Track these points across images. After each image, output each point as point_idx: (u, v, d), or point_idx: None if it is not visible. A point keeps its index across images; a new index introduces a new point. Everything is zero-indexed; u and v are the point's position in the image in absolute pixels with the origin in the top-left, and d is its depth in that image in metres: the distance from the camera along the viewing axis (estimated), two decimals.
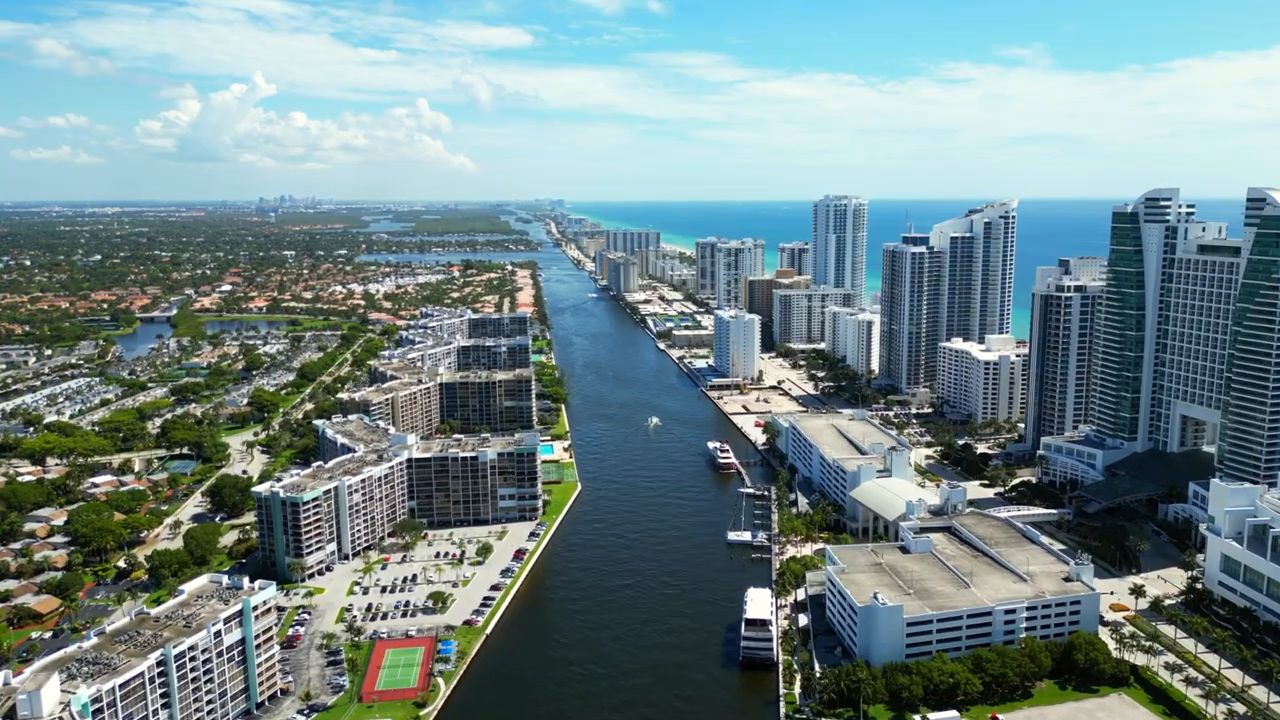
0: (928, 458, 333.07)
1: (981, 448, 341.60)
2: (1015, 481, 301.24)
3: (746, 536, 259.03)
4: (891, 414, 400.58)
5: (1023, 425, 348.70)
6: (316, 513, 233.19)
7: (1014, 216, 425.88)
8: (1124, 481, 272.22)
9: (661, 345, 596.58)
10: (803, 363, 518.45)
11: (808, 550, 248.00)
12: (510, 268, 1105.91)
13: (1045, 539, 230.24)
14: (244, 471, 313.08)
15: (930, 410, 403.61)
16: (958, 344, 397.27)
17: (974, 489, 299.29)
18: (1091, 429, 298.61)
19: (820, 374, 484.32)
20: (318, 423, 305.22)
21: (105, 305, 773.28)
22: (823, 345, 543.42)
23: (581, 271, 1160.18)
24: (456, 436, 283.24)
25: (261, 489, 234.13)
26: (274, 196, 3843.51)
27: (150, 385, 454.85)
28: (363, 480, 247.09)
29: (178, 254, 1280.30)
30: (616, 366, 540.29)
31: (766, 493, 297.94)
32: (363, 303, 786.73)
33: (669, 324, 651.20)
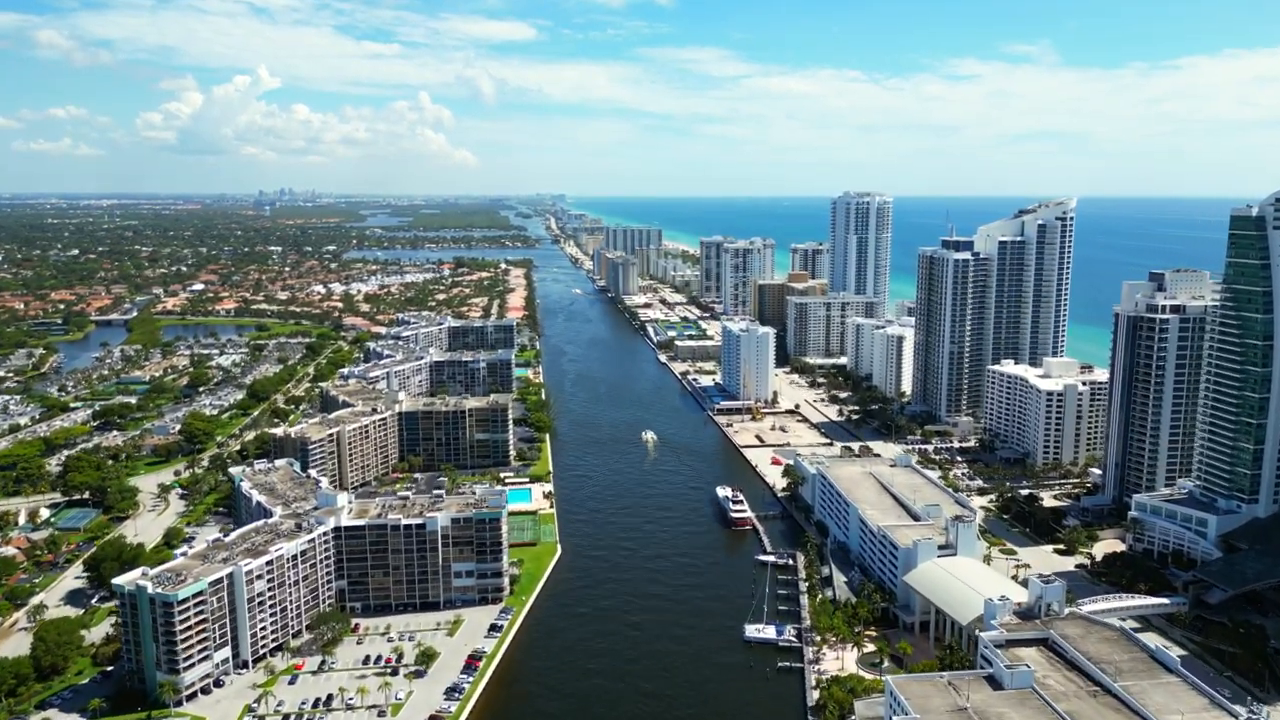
0: (983, 509, 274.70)
1: (1046, 498, 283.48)
2: (1100, 550, 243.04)
3: (770, 633, 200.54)
4: (930, 448, 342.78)
5: (1097, 470, 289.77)
6: (200, 612, 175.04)
7: (1072, 218, 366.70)
8: (1251, 560, 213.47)
9: (663, 357, 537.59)
10: (822, 381, 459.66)
11: (851, 659, 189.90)
12: (504, 266, 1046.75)
13: (1160, 639, 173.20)
14: (138, 539, 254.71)
15: (975, 444, 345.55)
16: (1010, 367, 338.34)
17: (1045, 555, 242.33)
18: (1197, 485, 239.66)
19: (843, 395, 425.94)
20: (234, 471, 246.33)
21: (62, 306, 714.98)
22: (843, 360, 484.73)
23: (579, 270, 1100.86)
24: (402, 494, 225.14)
25: (125, 580, 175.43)
26: (274, 190, 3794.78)
27: (76, 405, 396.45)
28: (269, 563, 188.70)
29: (159, 249, 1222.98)
30: (612, 382, 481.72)
31: (791, 561, 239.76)
32: (340, 304, 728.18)
33: (671, 332, 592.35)
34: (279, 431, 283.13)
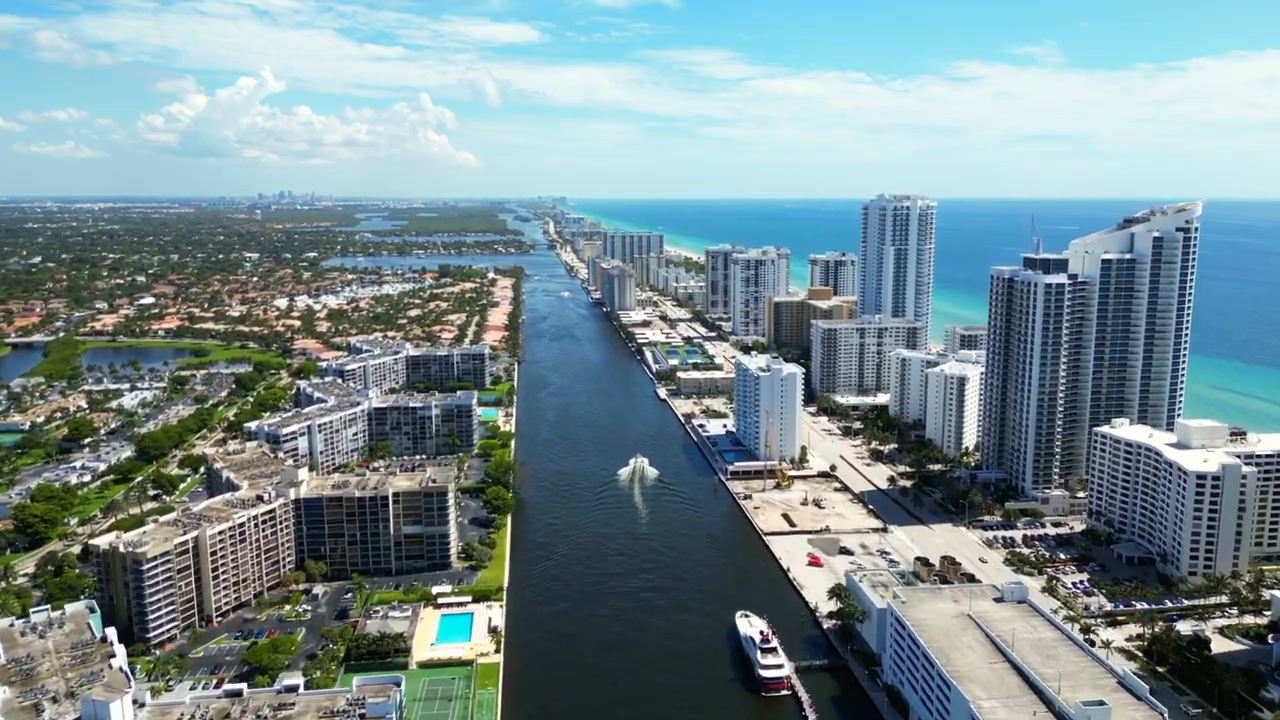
0: (1119, 651, 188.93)
1: (1209, 632, 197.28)
2: None
3: None
4: (1018, 535, 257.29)
5: (1279, 594, 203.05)
6: None
7: (1196, 229, 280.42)
8: None
9: (662, 391, 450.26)
10: (857, 426, 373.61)
11: None
12: (491, 275, 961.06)
13: None
14: None
15: (1080, 529, 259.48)
16: (1127, 430, 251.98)
17: None
18: None
19: (887, 449, 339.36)
20: None
21: None
22: (882, 399, 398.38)
23: (575, 279, 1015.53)
24: (231, 690, 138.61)
25: None
26: (274, 192, 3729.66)
27: None
28: None
29: (126, 255, 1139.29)
30: (600, 424, 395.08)
31: None
32: (297, 323, 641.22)
33: (673, 360, 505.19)
34: (102, 542, 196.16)
